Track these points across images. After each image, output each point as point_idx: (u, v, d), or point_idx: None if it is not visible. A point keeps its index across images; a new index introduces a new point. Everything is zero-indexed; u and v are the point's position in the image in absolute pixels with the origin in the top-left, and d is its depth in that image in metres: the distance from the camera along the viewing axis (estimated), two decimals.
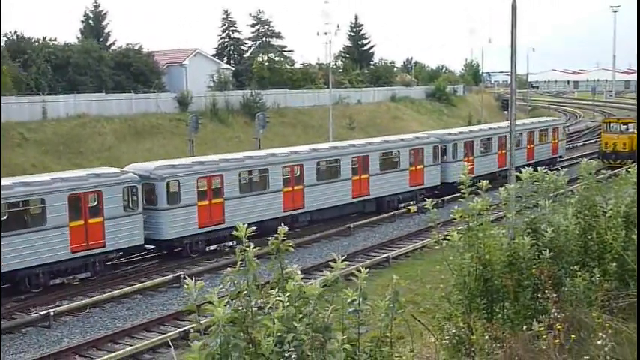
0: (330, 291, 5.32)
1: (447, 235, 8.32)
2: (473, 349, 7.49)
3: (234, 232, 5.37)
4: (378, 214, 38.62)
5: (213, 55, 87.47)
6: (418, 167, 42.00)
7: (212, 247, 31.90)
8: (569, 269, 8.42)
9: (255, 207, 32.69)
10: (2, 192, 24.93)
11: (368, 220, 37.28)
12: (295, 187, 34.99)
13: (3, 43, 65.19)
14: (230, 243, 31.66)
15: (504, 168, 44.90)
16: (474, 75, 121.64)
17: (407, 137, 43.78)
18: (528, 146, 52.43)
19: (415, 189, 41.66)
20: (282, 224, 5.73)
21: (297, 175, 35.32)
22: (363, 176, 38.57)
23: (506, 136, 46.92)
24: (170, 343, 16.49)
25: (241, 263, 5.15)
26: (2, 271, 24.48)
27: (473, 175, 40.16)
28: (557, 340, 7.27)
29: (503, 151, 47.57)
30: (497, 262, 8.25)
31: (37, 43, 66.47)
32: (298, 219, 35.46)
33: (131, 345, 21.00)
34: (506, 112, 68.37)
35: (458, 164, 42.59)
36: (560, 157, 56.84)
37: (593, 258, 9.00)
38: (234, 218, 30.27)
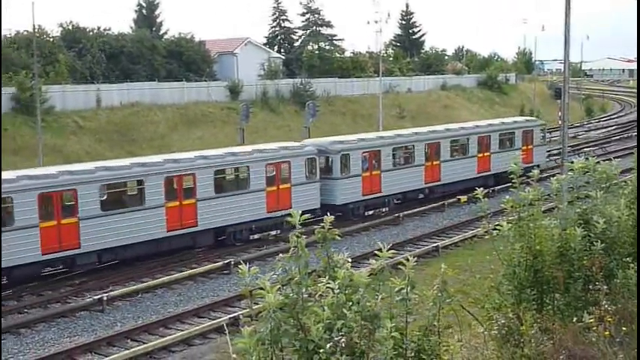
0: (378, 280, 5.35)
1: (497, 225, 8.28)
2: (522, 340, 7.46)
3: (288, 219, 5.43)
4: (427, 204, 38.29)
5: (264, 44, 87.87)
6: (282, 186, 31.76)
7: None
8: (622, 261, 8.33)
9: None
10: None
11: (417, 210, 37.07)
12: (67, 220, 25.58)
13: (58, 33, 66.37)
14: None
15: (436, 183, 38.99)
16: (526, 63, 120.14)
17: (264, 148, 32.87)
18: (481, 155, 41.60)
19: (278, 215, 31.08)
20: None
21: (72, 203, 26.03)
22: (186, 201, 28.68)
23: (439, 143, 39.16)
24: (225, 328, 16.69)
25: (293, 250, 5.22)
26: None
27: (380, 194, 35.51)
28: (607, 333, 7.21)
29: (435, 162, 38.74)
30: (548, 252, 8.18)
31: (91, 33, 67.58)
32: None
33: (182, 330, 21.31)
34: (559, 100, 67.35)
35: (351, 181, 34.48)
36: (537, 166, 40.32)
37: None
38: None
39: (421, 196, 38.84)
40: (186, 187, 28.99)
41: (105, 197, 27.10)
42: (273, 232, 31.90)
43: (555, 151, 53.30)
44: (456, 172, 39.79)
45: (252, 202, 30.73)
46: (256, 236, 31.29)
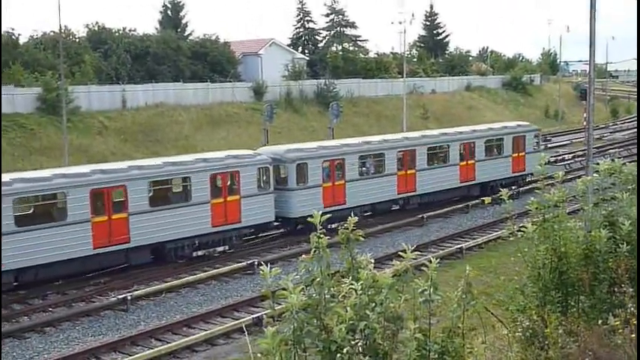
0: (401, 281, 5.34)
1: (521, 227, 8.24)
2: (546, 342, 7.41)
3: (309, 219, 5.43)
4: (450, 205, 38.11)
5: (288, 45, 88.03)
6: (230, 198, 29.37)
7: None
8: None
9: None
10: None
11: (441, 211, 36.94)
12: None
13: (84, 34, 66.93)
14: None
15: (411, 193, 36.55)
16: (551, 64, 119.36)
17: (209, 157, 30.36)
18: (464, 163, 38.99)
19: (225, 229, 29.36)
20: None
21: None
22: (116, 216, 26.25)
23: (415, 150, 36.52)
24: (244, 329, 16.73)
25: (315, 251, 5.22)
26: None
27: (345, 206, 32.68)
28: (633, 335, 7.15)
29: (410, 171, 36.23)
30: (573, 254, 8.13)
31: (117, 34, 68.07)
32: None
33: (205, 330, 21.39)
34: (584, 101, 66.74)
35: (309, 192, 31.98)
36: (530, 174, 42.06)
37: None
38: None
39: (395, 207, 36.57)
40: (116, 200, 26.70)
41: (20, 212, 25.11)
42: (220, 248, 29.55)
43: (580, 153, 53.00)
44: (435, 181, 37.29)
45: (194, 215, 28.27)
46: (200, 253, 28.93)
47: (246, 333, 12.47)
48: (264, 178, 30.60)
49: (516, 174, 41.75)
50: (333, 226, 32.14)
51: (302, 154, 32.33)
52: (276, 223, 32.15)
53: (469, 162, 39.31)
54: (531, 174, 41.86)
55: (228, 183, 29.82)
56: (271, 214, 30.84)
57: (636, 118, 44.08)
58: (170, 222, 27.56)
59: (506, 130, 42.69)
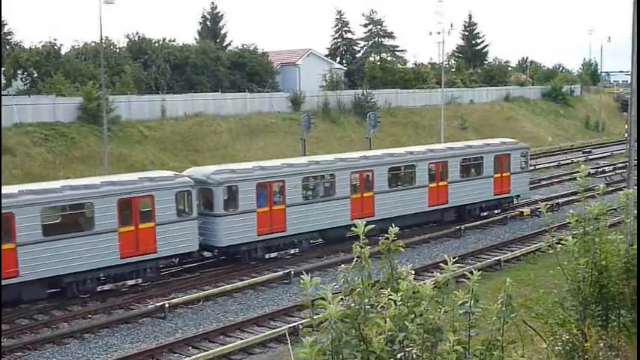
0: (441, 292, 5.34)
1: (561, 240, 8.17)
2: (586, 356, 7.34)
3: (353, 229, 5.44)
4: (487, 217, 37.82)
5: (326, 55, 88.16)
6: (142, 226, 26.20)
7: None
8: None
9: None
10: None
11: (479, 223, 36.70)
12: None
13: (125, 44, 67.71)
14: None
15: (369, 217, 30.51)
16: (592, 74, 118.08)
17: (118, 179, 27.09)
18: (433, 184, 35.34)
19: (137, 260, 26.27)
20: None
21: None
22: (3, 247, 22.97)
23: (372, 171, 32.98)
24: (287, 337, 16.69)
25: (357, 261, 5.23)
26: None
27: (285, 234, 30.19)
28: None
29: (367, 194, 32.70)
30: (614, 268, 8.05)
31: (157, 44, 68.71)
32: None
33: (242, 339, 21.47)
34: (625, 113, 65.82)
35: (240, 218, 28.66)
36: (517, 197, 39.97)
37: None
38: None
39: (349, 234, 29.69)
40: (3, 229, 23.22)
41: None
42: (131, 282, 26.48)
43: (621, 165, 52.31)
44: (398, 205, 33.48)
45: (98, 245, 25.12)
46: (107, 287, 25.85)
47: (289, 342, 12.48)
48: (186, 202, 27.60)
49: (499, 196, 38.50)
50: (272, 255, 28.98)
51: (231, 176, 29.00)
52: (207, 253, 29.76)
53: (440, 183, 35.82)
54: (518, 196, 39.88)
55: (142, 209, 26.71)
56: (194, 243, 27.71)
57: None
58: (68, 253, 24.51)
59: (487, 148, 38.85)
